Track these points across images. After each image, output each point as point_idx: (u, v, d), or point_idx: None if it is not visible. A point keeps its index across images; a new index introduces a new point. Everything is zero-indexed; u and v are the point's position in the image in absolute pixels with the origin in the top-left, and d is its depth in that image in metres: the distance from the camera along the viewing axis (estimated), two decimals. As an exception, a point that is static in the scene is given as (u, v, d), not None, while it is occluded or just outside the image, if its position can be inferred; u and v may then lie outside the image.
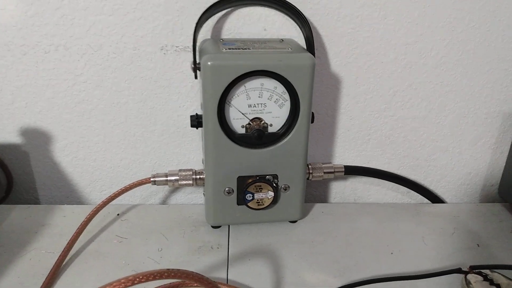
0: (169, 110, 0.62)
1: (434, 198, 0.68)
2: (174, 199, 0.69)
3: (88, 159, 0.64)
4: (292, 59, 0.49)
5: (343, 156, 0.67)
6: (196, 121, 0.53)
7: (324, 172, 0.59)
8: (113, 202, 0.56)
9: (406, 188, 0.68)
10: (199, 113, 0.53)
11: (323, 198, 0.71)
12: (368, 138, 0.66)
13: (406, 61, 0.62)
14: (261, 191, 0.53)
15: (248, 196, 0.53)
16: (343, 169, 0.60)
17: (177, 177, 0.56)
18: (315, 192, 0.70)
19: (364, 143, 0.67)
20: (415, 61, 0.62)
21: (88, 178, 0.66)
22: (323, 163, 0.60)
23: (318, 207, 0.63)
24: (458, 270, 0.45)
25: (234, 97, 0.50)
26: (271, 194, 0.54)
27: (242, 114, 0.51)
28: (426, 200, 0.70)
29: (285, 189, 0.55)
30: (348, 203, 0.71)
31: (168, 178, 0.56)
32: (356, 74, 0.62)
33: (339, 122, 0.65)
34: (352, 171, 0.62)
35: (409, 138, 0.67)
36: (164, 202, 0.68)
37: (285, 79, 0.49)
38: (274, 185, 0.53)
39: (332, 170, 0.60)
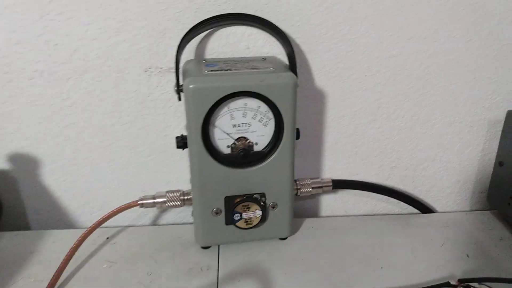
0: (156, 130, 0.62)
1: (424, 208, 0.68)
2: (165, 219, 0.69)
3: (77, 182, 0.64)
4: (274, 79, 0.49)
5: (331, 169, 0.67)
6: (182, 142, 0.53)
7: (312, 188, 0.59)
8: (103, 225, 0.56)
9: (395, 199, 0.68)
10: (185, 133, 0.53)
11: (313, 211, 0.71)
12: (356, 150, 0.67)
13: (390, 73, 0.62)
14: (248, 210, 0.54)
15: (236, 216, 0.54)
16: (331, 184, 0.61)
17: (165, 199, 0.56)
18: (305, 205, 0.70)
19: (352, 156, 0.67)
20: (399, 73, 0.62)
21: (78, 201, 0.66)
22: (311, 179, 0.61)
23: (308, 222, 0.63)
24: (447, 284, 0.45)
25: (218, 117, 0.50)
26: (259, 213, 0.54)
27: (227, 134, 0.51)
28: (416, 211, 0.70)
29: (273, 207, 0.55)
30: (338, 216, 0.71)
31: (156, 200, 0.56)
32: (340, 88, 0.62)
33: (326, 136, 0.65)
34: (340, 185, 0.62)
35: (396, 149, 0.67)
36: (154, 222, 0.68)
37: (268, 98, 0.50)
38: (262, 203, 0.54)
39: (320, 185, 0.60)
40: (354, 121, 0.65)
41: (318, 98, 0.62)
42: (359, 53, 0.60)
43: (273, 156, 0.53)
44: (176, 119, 0.61)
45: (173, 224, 0.67)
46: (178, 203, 0.56)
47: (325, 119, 0.64)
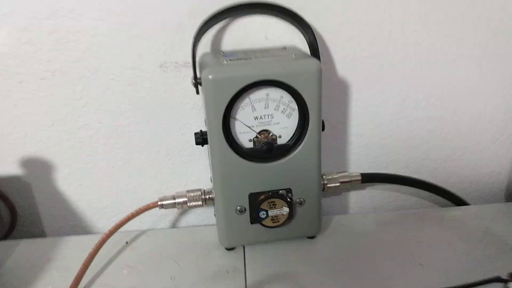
0: (173, 129, 0.59)
1: (457, 201, 0.65)
2: (185, 221, 0.66)
3: (93, 186, 0.62)
4: (297, 66, 0.46)
5: (357, 163, 0.64)
6: (201, 138, 0.50)
7: (340, 182, 0.56)
8: (121, 229, 0.54)
9: (427, 192, 0.64)
10: (203, 129, 0.51)
11: (341, 209, 0.67)
12: (383, 142, 0.63)
13: (416, 60, 0.59)
14: (275, 207, 0.50)
15: (262, 214, 0.50)
16: (360, 177, 0.57)
17: (185, 199, 0.53)
18: (332, 203, 0.67)
19: (379, 148, 0.63)
20: (426, 59, 0.59)
21: (94, 205, 0.63)
22: (338, 173, 0.57)
23: (337, 219, 0.60)
24: (498, 279, 0.41)
25: (239, 110, 0.47)
26: (286, 210, 0.51)
27: (249, 127, 0.48)
28: (449, 203, 0.66)
29: (301, 203, 0.52)
30: (367, 213, 0.67)
31: (176, 200, 0.53)
32: (365, 78, 0.59)
33: (351, 128, 0.62)
34: (369, 178, 0.59)
35: (426, 140, 0.64)
36: (174, 225, 0.66)
37: (291, 87, 0.47)
38: (289, 200, 0.50)
39: (349, 179, 0.57)
40: (380, 112, 0.61)
41: (342, 89, 0.59)
42: (383, 40, 0.57)
43: (298, 149, 0.50)
44: (194, 116, 0.59)
45: (194, 226, 0.64)
46: (200, 202, 0.53)
47: (349, 110, 0.61)
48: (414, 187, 0.63)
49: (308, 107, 0.48)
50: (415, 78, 0.60)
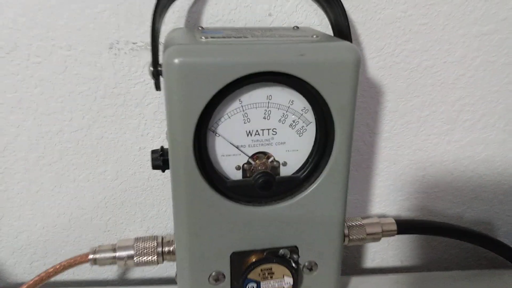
0: (127, 141, 0.41)
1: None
2: (140, 271, 0.47)
3: (9, 217, 0.43)
4: (323, 51, 0.28)
5: (384, 203, 0.46)
6: (161, 160, 0.32)
7: (367, 234, 0.38)
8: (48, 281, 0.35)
9: (479, 246, 0.46)
10: (166, 145, 0.32)
11: (355, 261, 0.49)
12: (423, 174, 0.45)
13: (480, 60, 0.41)
14: (271, 276, 0.32)
15: (251, 287, 0.32)
16: (395, 227, 0.39)
17: (131, 252, 0.35)
18: (345, 253, 0.49)
19: (416, 181, 0.45)
20: (493, 59, 0.41)
21: (10, 245, 0.44)
22: (363, 218, 0.39)
23: (356, 282, 0.42)
24: None
25: (222, 119, 0.29)
26: (288, 281, 0.32)
27: (237, 147, 0.30)
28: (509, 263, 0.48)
29: (310, 269, 0.34)
30: (393, 267, 0.49)
31: (117, 254, 0.34)
32: (406, 81, 0.41)
33: (380, 152, 0.44)
34: (408, 228, 0.41)
35: (481, 172, 0.46)
36: (123, 276, 0.47)
37: (310, 86, 0.28)
38: (293, 265, 0.32)
39: (379, 230, 0.38)
40: (423, 131, 0.43)
41: (372, 95, 0.41)
42: (437, 28, 0.39)
43: (314, 187, 0.31)
44: (158, 123, 0.40)
45: (149, 286, 0.45)
46: (154, 258, 0.34)
47: (380, 127, 0.43)
48: (468, 241, 0.44)
49: (334, 120, 0.29)
50: (476, 85, 0.42)
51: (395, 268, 0.50)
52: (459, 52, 0.41)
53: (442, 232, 0.42)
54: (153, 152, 0.33)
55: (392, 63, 0.40)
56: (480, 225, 0.49)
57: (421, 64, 0.41)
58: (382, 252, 0.49)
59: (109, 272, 0.46)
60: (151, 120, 0.40)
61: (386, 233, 0.38)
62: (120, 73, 0.38)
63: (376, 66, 0.40)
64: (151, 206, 0.44)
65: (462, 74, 0.41)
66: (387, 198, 0.46)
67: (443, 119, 0.43)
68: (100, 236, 0.44)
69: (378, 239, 0.38)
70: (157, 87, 0.31)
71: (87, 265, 0.36)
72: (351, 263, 0.49)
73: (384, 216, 0.43)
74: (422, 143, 0.44)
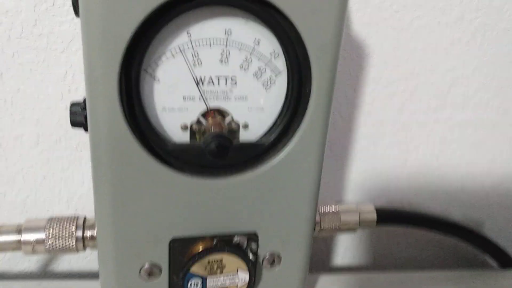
0: (50, 96, 0.32)
1: (504, 259, 0.41)
2: (66, 262, 0.39)
3: None
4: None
5: (360, 191, 0.40)
6: (84, 115, 0.24)
7: (343, 224, 0.31)
8: None
9: (468, 243, 0.40)
10: (90, 98, 0.24)
11: (322, 256, 0.42)
12: (405, 157, 0.39)
13: (478, 22, 0.35)
14: (221, 270, 0.25)
15: (194, 283, 0.24)
16: (375, 216, 0.32)
17: (43, 235, 0.26)
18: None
19: (399, 167, 0.39)
20: (493, 23, 0.35)
21: None
22: (337, 202, 0.32)
23: (324, 281, 0.35)
24: None
25: (163, 57, 0.22)
26: (243, 276, 0.25)
27: (183, 98, 0.23)
28: (492, 262, 0.43)
29: (272, 263, 0.26)
30: (365, 265, 0.43)
31: (24, 237, 0.26)
32: (394, 42, 0.35)
33: (358, 128, 0.37)
34: (389, 217, 0.34)
35: (468, 160, 0.40)
36: (46, 267, 0.38)
37: (282, 18, 0.21)
38: (251, 256, 0.25)
39: (356, 219, 0.31)
40: (408, 105, 0.37)
41: (354, 57, 0.35)
42: None
43: (281, 157, 0.24)
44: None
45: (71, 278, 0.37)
46: (71, 243, 0.26)
47: (359, 98, 0.36)
48: (452, 235, 0.38)
49: (312, 66, 0.22)
50: (473, 53, 0.36)
51: (366, 266, 0.43)
52: (456, 12, 0.34)
53: (429, 224, 0.35)
54: (73, 105, 0.25)
55: (379, 18, 0.34)
56: (466, 219, 0.43)
57: (412, 23, 0.34)
58: (352, 247, 0.43)
59: (26, 263, 0.38)
60: (80, 70, 0.32)
61: (364, 223, 0.32)
62: (42, 6, 0.30)
63: (360, 22, 0.33)
64: (80, 182, 0.36)
65: (457, 38, 0.35)
66: (362, 184, 0.39)
67: (432, 92, 0.37)
68: (15, 218, 0.36)
69: (354, 230, 0.31)
70: (77, 11, 0.23)
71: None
72: (317, 259, 0.42)
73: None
74: (407, 120, 0.38)
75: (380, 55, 0.35)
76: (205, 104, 0.23)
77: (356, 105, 0.36)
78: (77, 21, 0.31)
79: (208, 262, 0.24)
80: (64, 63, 0.31)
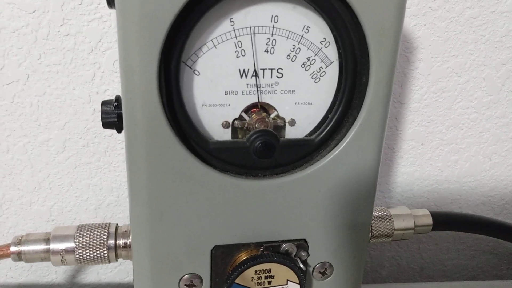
0: (77, 100, 0.31)
1: None
2: (95, 272, 0.37)
3: None
4: None
5: (406, 194, 0.37)
6: (116, 114, 0.22)
7: (396, 230, 0.28)
8: None
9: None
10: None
11: (367, 266, 0.40)
12: (456, 158, 0.36)
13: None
14: (270, 282, 0.22)
15: (239, 297, 0.22)
16: (431, 221, 0.30)
17: (71, 244, 0.24)
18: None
19: (449, 168, 0.36)
20: (551, 13, 0.33)
21: None
22: (388, 208, 0.29)
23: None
24: None
25: (203, 48, 0.20)
26: (294, 286, 0.22)
27: (225, 93, 0.21)
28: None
29: (323, 273, 0.24)
30: (411, 276, 0.40)
31: (52, 246, 0.24)
32: (444, 35, 0.32)
33: (406, 127, 0.35)
34: (444, 222, 0.31)
35: (525, 159, 0.37)
36: (72, 279, 0.37)
37: (337, 1, 0.19)
38: (300, 265, 0.22)
39: (411, 225, 0.29)
40: (460, 102, 0.34)
41: (401, 51, 0.32)
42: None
43: (333, 155, 0.22)
44: (119, 76, 0.30)
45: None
46: (103, 253, 0.24)
47: (408, 95, 0.34)
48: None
49: (371, 54, 0.20)
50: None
51: (413, 276, 0.40)
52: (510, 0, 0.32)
53: (488, 229, 0.32)
54: (105, 103, 0.23)
55: (427, 9, 0.31)
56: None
57: (463, 13, 0.32)
58: (398, 255, 0.40)
59: (54, 274, 0.36)
60: (109, 71, 0.30)
61: (419, 229, 0.29)
62: (70, 4, 0.28)
63: (407, 12, 0.31)
64: (109, 189, 0.34)
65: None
66: (410, 188, 0.37)
67: (485, 87, 0.34)
68: (42, 227, 0.34)
69: (408, 237, 0.29)
70: (110, 2, 0.21)
71: (24, 263, 0.26)
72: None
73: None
74: (458, 118, 0.35)
75: (429, 48, 0.32)
76: (257, 96, 0.21)
77: (402, 102, 0.34)
78: (106, 19, 0.29)
79: (255, 273, 0.22)
80: (92, 64, 0.30)
